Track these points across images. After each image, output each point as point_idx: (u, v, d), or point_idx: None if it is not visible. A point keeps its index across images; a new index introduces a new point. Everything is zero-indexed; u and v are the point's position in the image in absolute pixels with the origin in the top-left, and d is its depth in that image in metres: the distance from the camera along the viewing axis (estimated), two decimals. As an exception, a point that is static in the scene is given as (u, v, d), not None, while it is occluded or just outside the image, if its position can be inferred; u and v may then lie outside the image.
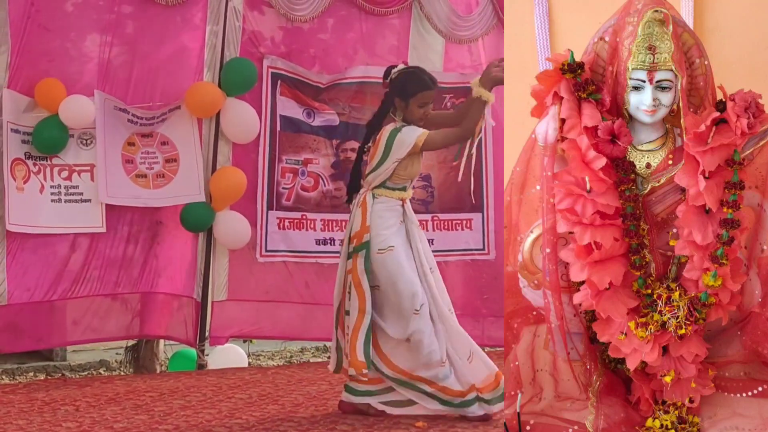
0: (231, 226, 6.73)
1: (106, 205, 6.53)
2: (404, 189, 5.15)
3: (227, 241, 6.79)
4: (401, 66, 5.18)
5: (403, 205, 5.14)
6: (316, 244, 7.08)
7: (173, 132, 6.66)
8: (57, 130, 6.32)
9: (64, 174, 6.45)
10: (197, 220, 6.68)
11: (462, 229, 7.42)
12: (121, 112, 6.52)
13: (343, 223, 6.97)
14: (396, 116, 5.09)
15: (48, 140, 6.33)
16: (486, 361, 5.09)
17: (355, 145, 7.04)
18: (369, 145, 5.18)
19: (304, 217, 7.06)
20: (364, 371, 4.94)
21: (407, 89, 5.05)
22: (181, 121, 6.65)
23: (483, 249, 7.47)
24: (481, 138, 6.88)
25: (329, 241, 7.09)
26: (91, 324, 6.67)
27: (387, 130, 5.04)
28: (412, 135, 4.99)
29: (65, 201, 6.45)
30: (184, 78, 6.65)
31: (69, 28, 6.43)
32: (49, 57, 6.36)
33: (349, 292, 5.04)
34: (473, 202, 7.31)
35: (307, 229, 7.08)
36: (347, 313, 5.05)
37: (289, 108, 6.91)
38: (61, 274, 6.49)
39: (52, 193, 6.41)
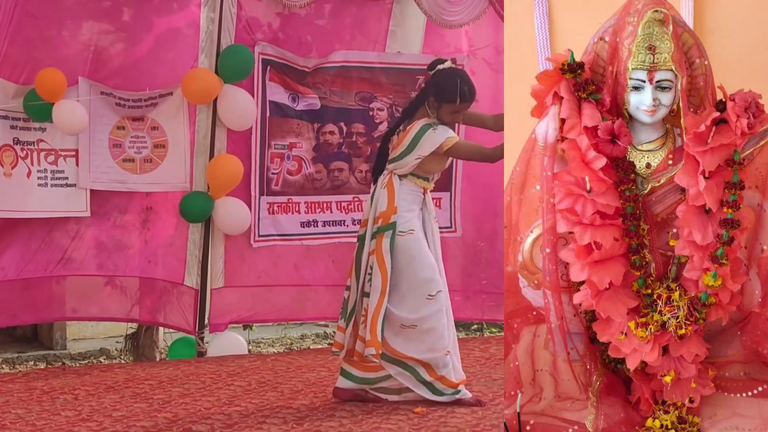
0: (231, 212, 6.73)
1: (95, 189, 6.55)
2: (427, 180, 5.18)
3: (227, 228, 6.78)
4: (448, 63, 5.18)
5: (424, 194, 5.18)
6: (301, 226, 7.14)
7: (164, 118, 6.64)
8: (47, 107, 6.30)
9: (51, 158, 6.45)
10: (198, 210, 6.68)
11: None
12: (108, 96, 6.49)
13: (325, 205, 7.06)
14: (430, 111, 5.09)
15: (37, 107, 6.29)
16: None
17: (333, 128, 7.11)
18: (399, 129, 5.18)
19: (290, 200, 7.10)
20: (382, 351, 4.97)
21: (444, 94, 5.05)
22: (172, 107, 6.64)
23: (450, 227, 7.57)
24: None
25: (312, 223, 7.17)
26: (72, 304, 6.74)
27: (418, 124, 5.04)
28: (441, 136, 5.00)
29: (51, 185, 6.45)
30: (179, 65, 6.61)
31: (59, 15, 6.36)
32: (36, 44, 6.31)
33: (370, 274, 5.03)
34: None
35: (292, 213, 7.14)
36: (367, 295, 5.05)
37: (277, 93, 6.92)
38: (43, 255, 6.52)
39: (38, 178, 6.41)
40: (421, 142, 4.99)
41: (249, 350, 7.53)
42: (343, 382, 5.22)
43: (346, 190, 7.24)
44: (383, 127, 7.28)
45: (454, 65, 5.24)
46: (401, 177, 5.10)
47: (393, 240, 5.00)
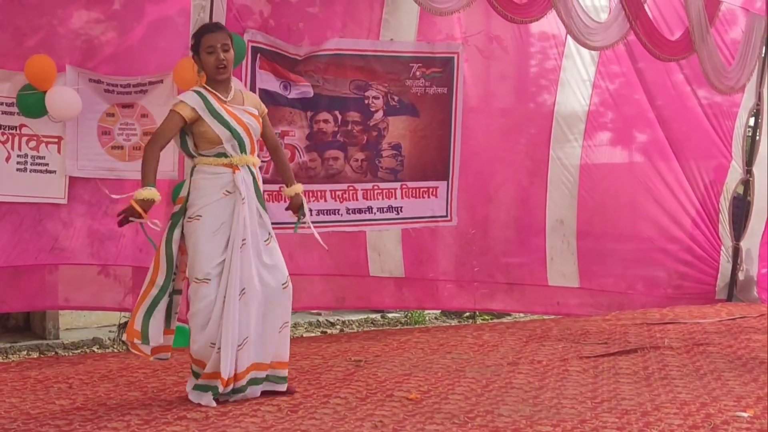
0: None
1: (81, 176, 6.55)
2: (224, 155, 4.92)
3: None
4: None
5: (234, 173, 4.93)
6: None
7: (154, 105, 6.61)
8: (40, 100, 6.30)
9: (32, 144, 6.44)
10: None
11: (428, 197, 7.52)
12: (96, 83, 6.48)
13: (319, 194, 7.06)
14: (199, 76, 5.00)
15: (32, 106, 6.30)
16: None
17: (328, 116, 7.13)
18: None
19: (282, 188, 7.09)
20: (136, 341, 4.88)
21: (195, 42, 4.97)
22: (162, 94, 6.60)
23: (446, 216, 7.58)
24: (451, 111, 7.10)
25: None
26: (65, 293, 6.76)
27: None
28: (184, 94, 4.94)
29: (30, 171, 6.45)
30: (170, 53, 6.57)
31: (49, 3, 6.34)
32: (25, 31, 6.31)
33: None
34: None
35: (285, 201, 7.11)
36: None
37: (268, 81, 6.88)
38: (34, 243, 6.52)
39: (18, 162, 6.42)
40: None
41: (243, 339, 7.49)
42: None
43: (341, 179, 7.23)
44: (379, 116, 7.30)
45: None
46: (196, 165, 4.97)
47: (172, 230, 4.93)
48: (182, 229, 4.95)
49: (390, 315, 9.62)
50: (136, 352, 4.98)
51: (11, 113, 6.38)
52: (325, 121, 7.12)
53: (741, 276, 8.61)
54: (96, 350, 7.61)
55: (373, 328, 8.78)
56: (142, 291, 4.94)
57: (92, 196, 6.64)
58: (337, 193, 7.19)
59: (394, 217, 7.42)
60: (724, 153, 8.51)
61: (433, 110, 7.47)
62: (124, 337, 4.93)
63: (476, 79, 7.63)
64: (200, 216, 4.88)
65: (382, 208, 7.35)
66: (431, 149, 7.52)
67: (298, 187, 5.38)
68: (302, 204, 5.33)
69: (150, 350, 4.94)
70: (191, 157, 5.01)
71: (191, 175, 4.98)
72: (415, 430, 4.40)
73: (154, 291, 4.90)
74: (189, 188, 4.96)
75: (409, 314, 9.42)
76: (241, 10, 6.74)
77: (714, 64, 8.01)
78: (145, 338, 4.89)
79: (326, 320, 8.86)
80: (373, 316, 9.67)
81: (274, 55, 6.86)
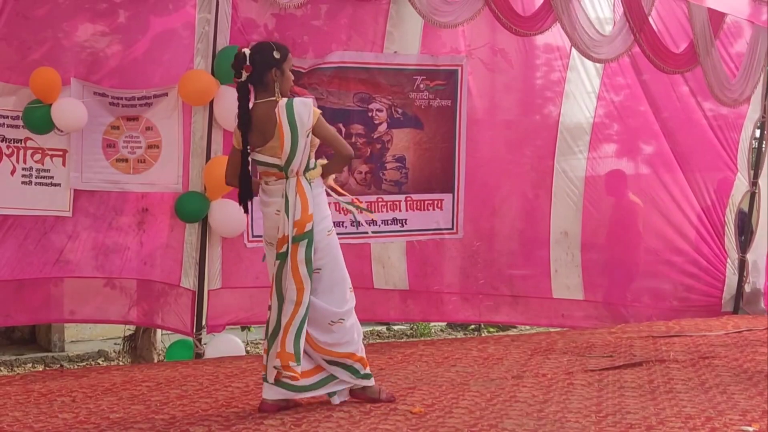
0: (226, 214, 6.71)
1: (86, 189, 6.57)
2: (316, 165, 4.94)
3: (223, 230, 6.77)
4: (247, 48, 4.95)
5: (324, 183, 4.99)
6: None
7: (159, 118, 6.65)
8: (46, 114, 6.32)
9: (37, 157, 6.48)
10: (193, 210, 6.69)
11: (433, 209, 7.51)
12: (101, 96, 6.51)
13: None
14: (275, 94, 4.83)
15: (39, 120, 6.33)
16: None
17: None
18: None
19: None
20: (292, 364, 4.77)
21: (280, 55, 4.85)
22: (167, 107, 6.64)
23: (452, 228, 7.58)
24: (455, 123, 7.07)
25: None
26: (70, 306, 6.76)
27: (281, 108, 4.75)
28: (309, 105, 4.81)
29: (35, 183, 6.49)
30: (175, 66, 6.62)
31: (53, 16, 6.37)
32: (30, 45, 6.33)
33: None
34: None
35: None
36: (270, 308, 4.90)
37: None
38: (39, 256, 6.53)
39: (23, 176, 6.46)
40: (297, 115, 4.74)
41: (246, 351, 7.49)
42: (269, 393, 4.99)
43: (345, 191, 7.23)
44: (383, 128, 7.30)
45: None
46: (310, 179, 4.85)
47: (310, 248, 4.80)
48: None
49: (396, 327, 9.65)
50: (289, 374, 4.83)
51: (16, 126, 6.41)
52: None
53: (747, 288, 8.59)
54: (101, 363, 7.63)
55: (378, 341, 8.79)
56: (290, 314, 4.78)
57: (97, 208, 6.66)
58: (341, 205, 7.20)
59: (398, 230, 7.43)
60: (730, 165, 8.49)
61: (437, 123, 7.48)
62: (277, 363, 4.76)
63: (481, 91, 7.64)
64: (331, 229, 4.94)
65: (387, 221, 7.37)
66: (435, 161, 7.54)
67: None
68: None
69: (300, 369, 4.86)
70: (307, 170, 4.86)
71: (310, 189, 4.84)
72: (419, 445, 4.39)
73: (302, 311, 4.79)
74: (310, 206, 4.82)
75: (415, 326, 9.44)
76: (246, 23, 6.76)
77: (718, 76, 8.01)
78: (298, 359, 4.80)
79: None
80: (378, 328, 9.68)
81: (277, 68, 6.89)
